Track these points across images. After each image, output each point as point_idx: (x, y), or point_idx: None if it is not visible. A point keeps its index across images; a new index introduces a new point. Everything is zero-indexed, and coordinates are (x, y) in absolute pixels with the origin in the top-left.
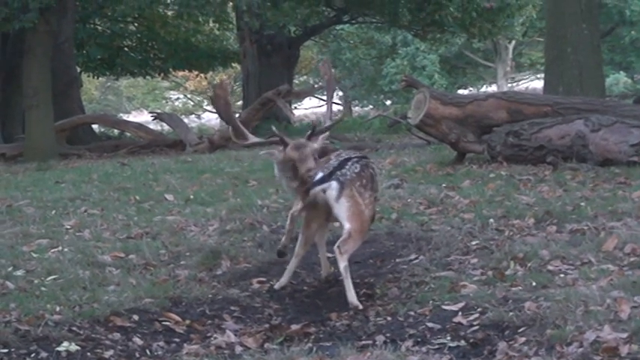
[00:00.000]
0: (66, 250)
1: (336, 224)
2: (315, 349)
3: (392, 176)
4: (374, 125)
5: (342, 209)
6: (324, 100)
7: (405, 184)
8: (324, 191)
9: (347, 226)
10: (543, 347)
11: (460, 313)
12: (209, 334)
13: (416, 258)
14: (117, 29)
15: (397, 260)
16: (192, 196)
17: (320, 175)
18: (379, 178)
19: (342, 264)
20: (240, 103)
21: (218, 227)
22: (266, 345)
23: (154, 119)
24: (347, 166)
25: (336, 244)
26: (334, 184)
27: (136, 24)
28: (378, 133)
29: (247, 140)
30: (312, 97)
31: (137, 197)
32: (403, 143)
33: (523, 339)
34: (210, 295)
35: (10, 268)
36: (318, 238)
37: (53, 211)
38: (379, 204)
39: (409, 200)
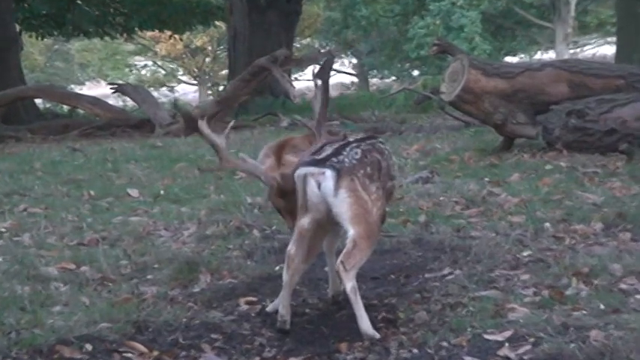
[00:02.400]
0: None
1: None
2: None
3: (420, 167)
4: (397, 102)
5: (342, 206)
6: (332, 70)
7: (437, 178)
8: (318, 185)
9: (351, 231)
10: None
11: (507, 345)
12: None
13: (450, 273)
14: None
15: (426, 275)
16: (162, 192)
17: (306, 160)
18: (394, 164)
19: (349, 284)
20: (225, 72)
21: (195, 232)
22: None
23: (114, 92)
24: (345, 152)
25: (339, 259)
26: (328, 172)
27: None
28: (402, 111)
29: (237, 166)
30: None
31: (92, 192)
32: (434, 125)
33: None
34: (184, 319)
35: None
36: (326, 246)
37: None
38: (403, 203)
39: (442, 198)
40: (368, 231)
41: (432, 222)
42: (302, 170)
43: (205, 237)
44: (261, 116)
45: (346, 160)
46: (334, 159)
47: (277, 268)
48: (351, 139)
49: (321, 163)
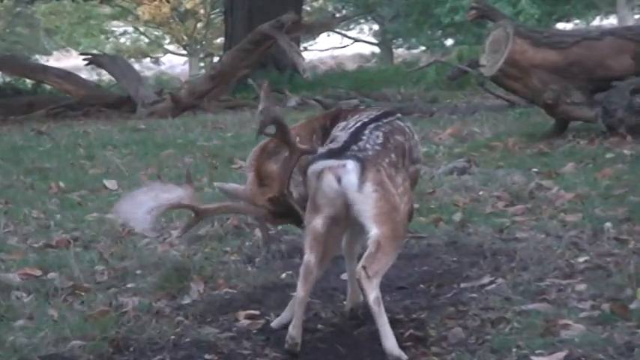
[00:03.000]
0: None
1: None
2: None
3: (455, 156)
4: (427, 77)
5: (367, 203)
6: (350, 38)
7: (475, 169)
8: (338, 180)
9: (374, 230)
10: None
11: None
12: None
13: (491, 282)
14: None
15: (462, 285)
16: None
17: (322, 152)
18: (417, 144)
19: (372, 294)
20: (220, 41)
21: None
22: None
23: (87, 64)
24: (364, 136)
25: (360, 264)
26: (351, 164)
27: None
28: (433, 88)
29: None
30: (331, 33)
31: (61, 184)
32: (472, 105)
33: None
34: (172, 337)
35: None
36: (345, 248)
37: None
38: (435, 198)
39: (481, 193)
40: (394, 231)
41: (469, 221)
42: (318, 165)
43: (198, 238)
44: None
45: (368, 146)
46: (354, 146)
47: (284, 275)
48: (364, 118)
49: (340, 153)
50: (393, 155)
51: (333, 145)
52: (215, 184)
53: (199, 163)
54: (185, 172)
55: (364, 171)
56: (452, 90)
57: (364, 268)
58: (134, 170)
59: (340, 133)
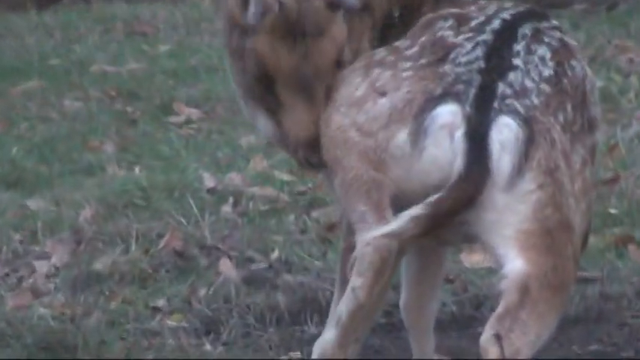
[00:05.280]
0: None
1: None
2: None
3: None
4: None
5: (517, 212)
6: None
7: None
8: (469, 156)
9: (519, 264)
10: None
11: None
12: None
13: None
14: None
15: None
16: None
17: (448, 105)
18: (594, 87)
19: None
20: None
21: (67, 265)
22: None
23: None
24: (518, 56)
25: (488, 329)
26: (511, 125)
27: None
28: None
29: None
30: None
31: None
32: None
33: None
34: None
35: None
36: (407, 302)
37: None
38: (616, 191)
39: None
40: (559, 269)
41: None
42: (444, 115)
43: (95, 278)
44: None
45: (529, 84)
46: (503, 82)
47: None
48: (505, 15)
49: (479, 96)
50: (569, 107)
51: (453, 72)
52: None
53: (97, 111)
54: None
55: (529, 143)
56: None
57: (497, 337)
58: None
59: (456, 40)
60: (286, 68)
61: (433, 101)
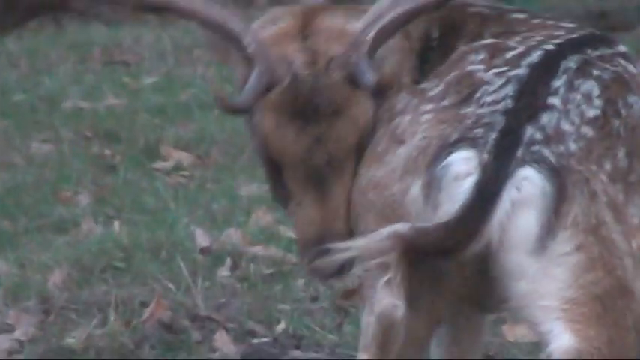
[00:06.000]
0: None
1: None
2: None
3: None
4: None
5: (553, 280)
6: None
7: None
8: (483, 212)
9: (565, 340)
10: None
11: None
12: None
13: None
14: None
15: None
16: None
17: (463, 153)
18: None
19: None
20: None
21: (30, 342)
22: None
23: None
24: (556, 95)
25: None
26: (535, 178)
27: None
28: None
29: None
30: None
31: None
32: None
33: None
34: None
35: None
36: None
37: None
38: None
39: None
40: (616, 340)
41: None
42: (457, 163)
43: (66, 355)
44: None
45: (567, 127)
46: (533, 126)
47: None
48: (547, 42)
49: (501, 141)
50: (621, 154)
51: (474, 114)
52: None
53: (70, 156)
54: None
55: (560, 199)
56: None
57: None
58: None
59: (485, 75)
60: (294, 154)
61: (447, 148)
